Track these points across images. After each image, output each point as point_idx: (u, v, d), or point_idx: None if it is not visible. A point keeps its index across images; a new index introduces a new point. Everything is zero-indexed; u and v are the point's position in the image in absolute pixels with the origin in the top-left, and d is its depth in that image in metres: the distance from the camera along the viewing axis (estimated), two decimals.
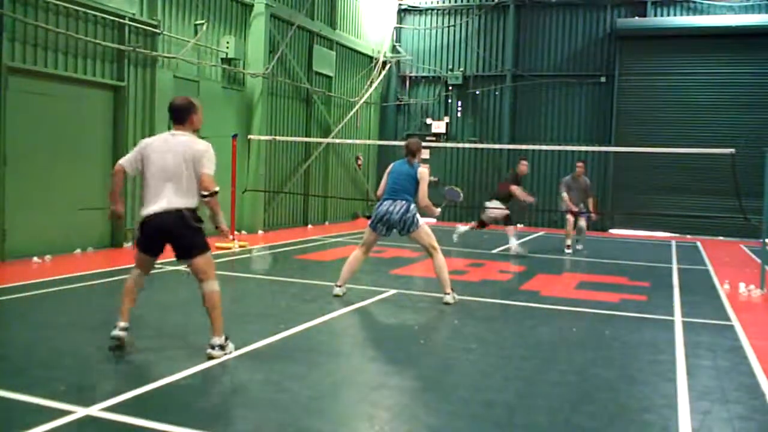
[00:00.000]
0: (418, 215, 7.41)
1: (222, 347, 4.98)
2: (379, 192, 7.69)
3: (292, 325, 6.14)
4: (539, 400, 4.42)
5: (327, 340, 5.86)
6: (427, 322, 6.65)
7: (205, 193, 4.90)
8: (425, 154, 19.74)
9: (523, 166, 12.40)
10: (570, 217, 12.58)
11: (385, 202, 7.40)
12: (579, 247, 12.82)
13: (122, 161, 5.12)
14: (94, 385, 4.33)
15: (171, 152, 5.00)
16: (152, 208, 4.94)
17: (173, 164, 4.96)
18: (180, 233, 4.96)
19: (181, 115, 5.21)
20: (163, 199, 4.90)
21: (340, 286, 7.58)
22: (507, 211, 11.98)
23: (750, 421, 4.17)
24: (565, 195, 12.59)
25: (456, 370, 5.06)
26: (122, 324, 5.03)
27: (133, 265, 5.28)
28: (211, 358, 4.90)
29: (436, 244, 7.50)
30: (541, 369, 5.14)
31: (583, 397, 4.52)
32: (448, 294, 7.42)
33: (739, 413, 4.28)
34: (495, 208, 11.91)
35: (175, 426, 3.72)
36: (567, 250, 12.49)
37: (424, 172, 7.49)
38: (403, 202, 7.33)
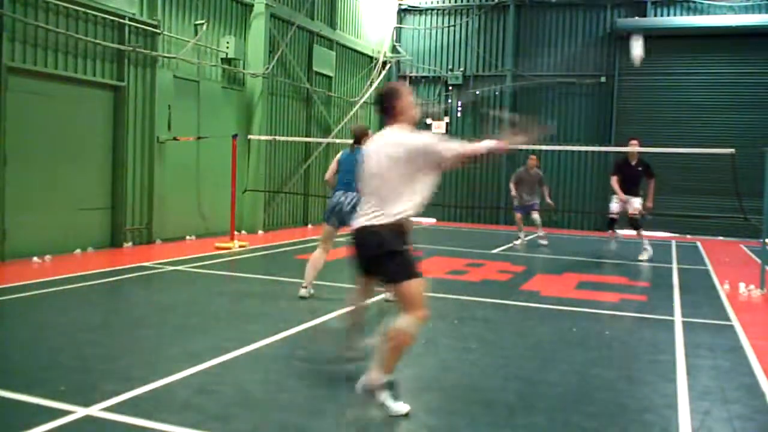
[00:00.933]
0: None
1: (375, 391, 4.05)
2: (328, 176, 7.77)
3: (292, 325, 6.14)
4: (539, 400, 4.41)
5: (327, 340, 5.86)
6: (427, 322, 6.63)
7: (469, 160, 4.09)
8: None
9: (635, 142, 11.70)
10: (518, 213, 13.41)
11: (337, 193, 7.40)
12: (544, 242, 13.25)
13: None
14: (94, 385, 4.33)
15: (376, 153, 4.15)
16: (355, 221, 4.24)
17: (376, 168, 4.10)
18: (377, 257, 4.05)
19: (383, 107, 4.23)
20: (364, 213, 4.15)
21: (306, 287, 7.48)
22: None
23: (750, 421, 4.17)
24: (512, 186, 13.28)
25: (456, 370, 5.06)
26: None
27: None
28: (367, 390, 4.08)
29: None
30: (541, 369, 5.14)
31: (583, 397, 4.52)
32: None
33: (739, 413, 4.28)
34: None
35: (175, 426, 3.72)
36: (516, 242, 13.35)
37: None
38: (355, 193, 7.21)
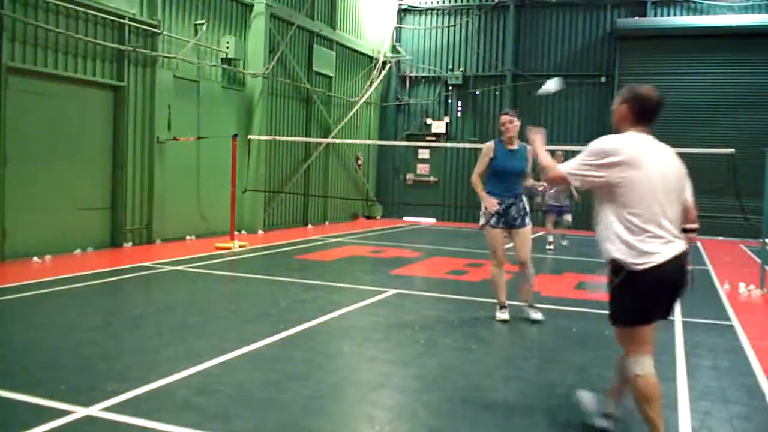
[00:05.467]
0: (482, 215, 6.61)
1: None
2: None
3: (292, 325, 6.14)
4: (539, 400, 4.41)
5: (327, 340, 5.86)
6: (427, 322, 6.64)
7: (693, 226, 3.69)
8: (425, 153, 19.74)
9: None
10: (552, 215, 13.07)
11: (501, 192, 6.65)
12: (565, 242, 13.37)
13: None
14: (94, 385, 4.33)
15: (667, 166, 3.52)
16: (665, 249, 3.39)
17: (673, 183, 3.51)
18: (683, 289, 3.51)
19: (656, 114, 3.65)
20: (672, 236, 3.44)
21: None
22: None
23: (750, 421, 4.17)
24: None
25: (456, 370, 5.05)
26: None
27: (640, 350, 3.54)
28: None
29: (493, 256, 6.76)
30: (541, 369, 5.14)
31: None
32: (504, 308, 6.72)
33: (739, 413, 4.28)
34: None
35: (175, 426, 3.72)
36: (550, 246, 12.93)
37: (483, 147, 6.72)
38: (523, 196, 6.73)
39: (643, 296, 3.41)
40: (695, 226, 3.68)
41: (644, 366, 3.46)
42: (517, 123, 6.53)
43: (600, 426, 3.88)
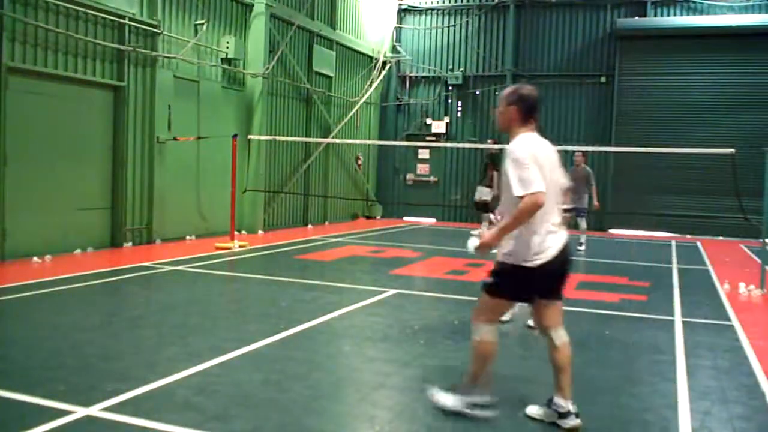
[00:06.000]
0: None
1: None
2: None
3: (292, 325, 6.15)
4: (539, 400, 4.40)
5: (327, 340, 5.86)
6: (427, 322, 6.65)
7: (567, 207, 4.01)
8: (425, 153, 19.73)
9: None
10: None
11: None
12: (582, 248, 12.45)
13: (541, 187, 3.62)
14: (94, 385, 4.33)
15: (552, 161, 3.85)
16: (556, 240, 3.79)
17: (557, 177, 3.89)
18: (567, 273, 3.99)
19: (537, 111, 3.92)
20: (561, 227, 3.86)
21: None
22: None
23: (750, 421, 4.17)
24: None
25: (456, 371, 5.05)
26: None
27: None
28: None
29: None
30: (542, 369, 5.13)
31: (584, 397, 4.50)
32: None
33: (739, 413, 4.28)
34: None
35: (175, 426, 3.72)
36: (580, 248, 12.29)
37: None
38: None
39: (530, 283, 3.80)
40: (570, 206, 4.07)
41: (493, 333, 3.95)
42: None
43: (482, 416, 3.92)
